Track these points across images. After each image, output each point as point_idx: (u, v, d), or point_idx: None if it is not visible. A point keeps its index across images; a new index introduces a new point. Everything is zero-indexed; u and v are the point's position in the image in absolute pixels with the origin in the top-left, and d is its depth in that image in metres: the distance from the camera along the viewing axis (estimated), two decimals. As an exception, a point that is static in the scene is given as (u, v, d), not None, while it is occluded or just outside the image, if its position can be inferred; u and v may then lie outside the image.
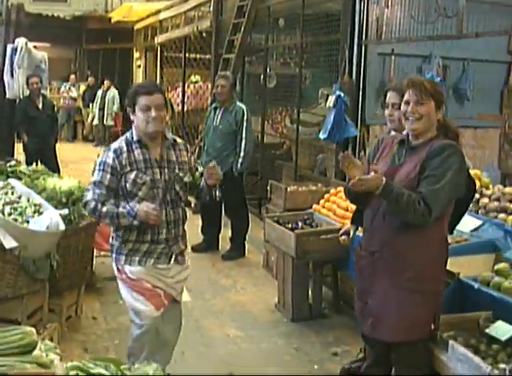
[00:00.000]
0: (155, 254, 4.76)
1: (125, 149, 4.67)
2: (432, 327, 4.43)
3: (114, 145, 4.72)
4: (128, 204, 4.58)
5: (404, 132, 4.49)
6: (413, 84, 4.30)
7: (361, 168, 4.20)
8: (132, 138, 4.69)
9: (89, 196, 4.62)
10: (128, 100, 4.72)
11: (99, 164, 4.66)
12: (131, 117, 4.70)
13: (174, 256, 4.85)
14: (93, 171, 4.72)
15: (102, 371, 2.87)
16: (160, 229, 4.73)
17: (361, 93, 9.03)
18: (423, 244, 4.31)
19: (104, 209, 4.56)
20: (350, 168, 4.20)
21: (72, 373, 2.84)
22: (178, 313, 5.17)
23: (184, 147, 4.94)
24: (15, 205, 5.66)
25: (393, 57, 9.86)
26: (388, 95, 5.13)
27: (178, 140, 4.92)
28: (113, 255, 4.79)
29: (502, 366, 4.09)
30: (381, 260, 4.40)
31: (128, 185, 4.63)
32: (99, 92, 21.95)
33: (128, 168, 4.64)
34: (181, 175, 4.81)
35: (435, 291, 4.40)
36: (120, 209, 4.56)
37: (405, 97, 4.32)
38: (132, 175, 4.64)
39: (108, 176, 4.63)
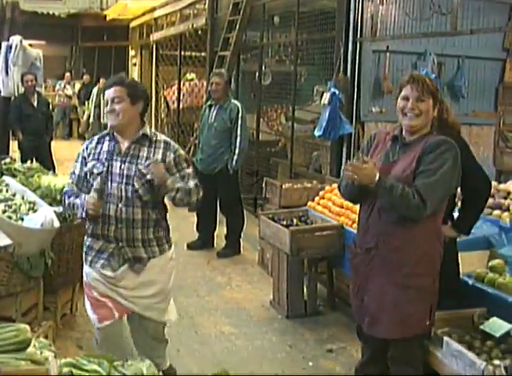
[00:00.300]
0: (105, 254, 4.63)
1: (96, 140, 4.73)
2: (427, 322, 4.46)
3: (93, 137, 4.80)
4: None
5: (396, 129, 4.50)
6: (415, 80, 4.32)
7: (370, 171, 4.21)
8: (107, 131, 4.74)
9: (66, 187, 4.78)
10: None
11: (76, 156, 4.76)
12: None
13: (126, 261, 4.63)
14: None
15: (96, 368, 2.88)
16: (108, 226, 4.59)
17: (356, 90, 9.05)
18: (418, 240, 4.33)
19: (67, 200, 4.63)
20: (360, 176, 4.18)
21: (65, 369, 2.84)
22: (148, 327, 4.88)
23: (165, 145, 4.70)
24: (9, 203, 5.70)
25: (388, 54, 9.91)
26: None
27: (163, 139, 4.75)
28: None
29: (496, 362, 4.13)
30: (377, 257, 4.43)
31: (86, 174, 4.64)
32: (95, 90, 21.93)
33: (90, 158, 4.66)
34: (143, 171, 4.56)
35: (431, 286, 4.42)
36: (77, 200, 4.55)
37: (404, 92, 4.33)
38: (90, 165, 4.64)
39: (78, 166, 4.70)
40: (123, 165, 4.59)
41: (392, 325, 4.43)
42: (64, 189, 4.75)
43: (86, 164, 4.64)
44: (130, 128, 4.63)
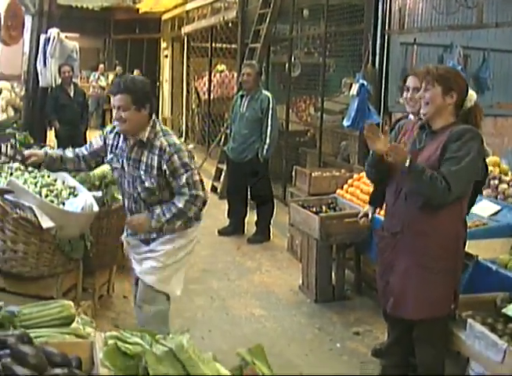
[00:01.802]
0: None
1: (114, 132, 4.94)
2: (451, 305, 4.60)
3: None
4: None
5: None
6: (420, 72, 4.56)
7: (384, 142, 4.35)
8: None
9: None
10: None
11: (100, 133, 5.07)
12: None
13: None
14: None
15: (139, 340, 3.02)
16: (126, 214, 5.09)
17: (383, 82, 9.11)
18: (444, 224, 4.46)
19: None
20: (373, 140, 4.37)
21: (110, 341, 2.98)
22: (141, 287, 5.14)
23: (159, 152, 4.71)
24: (51, 187, 5.83)
25: (415, 47, 9.97)
26: (409, 79, 5.30)
27: (159, 143, 4.72)
28: None
29: None
30: (403, 240, 4.57)
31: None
32: (129, 81, 22.10)
33: (109, 148, 4.94)
34: (143, 178, 4.75)
35: (455, 269, 4.55)
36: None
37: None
38: (109, 157, 4.96)
39: (99, 141, 5.03)
40: (129, 167, 4.84)
41: (416, 306, 4.57)
42: None
43: (105, 148, 4.98)
44: (140, 131, 4.73)
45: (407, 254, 4.57)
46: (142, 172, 4.73)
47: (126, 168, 4.82)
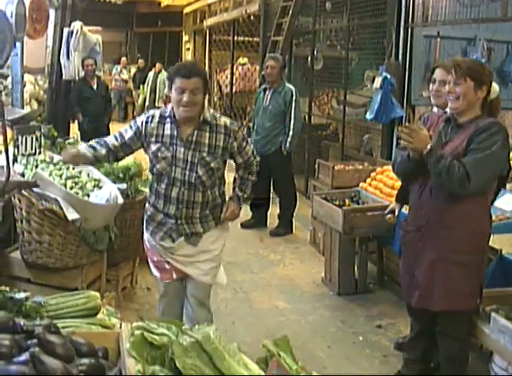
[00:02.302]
0: (165, 227, 4.86)
1: (157, 119, 4.75)
2: (477, 299, 4.59)
3: (150, 112, 4.85)
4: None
5: (448, 110, 4.66)
6: (452, 65, 4.46)
7: (423, 138, 4.38)
8: (167, 111, 4.76)
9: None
10: (167, 76, 4.79)
11: (131, 121, 4.90)
12: (169, 93, 4.77)
13: (183, 236, 4.86)
14: None
15: (165, 331, 3.03)
16: (169, 205, 4.79)
17: (407, 75, 9.08)
18: (468, 218, 4.46)
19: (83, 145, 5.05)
20: (411, 141, 4.36)
21: (137, 332, 3.00)
22: (200, 288, 5.07)
23: (225, 131, 4.75)
24: (76, 180, 5.88)
25: (438, 39, 9.89)
26: (436, 71, 5.25)
27: (223, 123, 4.78)
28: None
29: None
30: (428, 233, 4.57)
31: (150, 154, 4.79)
32: (151, 75, 22.20)
33: (154, 139, 4.73)
34: (207, 159, 4.71)
35: (479, 263, 4.55)
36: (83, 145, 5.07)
37: (447, 78, 4.53)
38: (154, 148, 4.73)
39: (130, 133, 4.80)
40: (187, 152, 4.68)
41: (441, 299, 4.56)
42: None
43: (145, 142, 4.77)
44: (197, 115, 4.70)
45: (432, 247, 4.57)
46: (205, 154, 4.70)
47: (181, 155, 4.69)
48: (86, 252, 5.77)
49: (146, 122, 4.75)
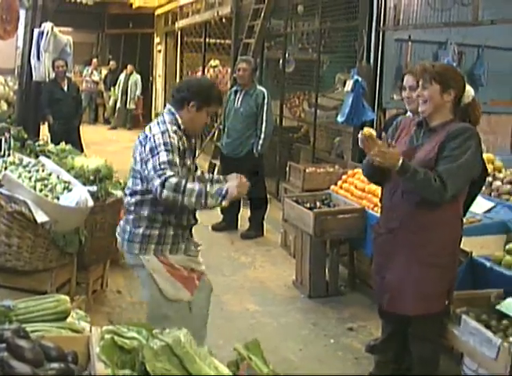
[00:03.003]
0: (184, 238, 4.78)
1: (178, 135, 4.58)
2: (446, 301, 4.61)
3: (168, 127, 4.56)
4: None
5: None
6: (418, 70, 4.53)
7: (382, 146, 4.33)
8: (179, 126, 4.63)
9: (168, 172, 4.35)
10: (199, 96, 4.63)
11: (165, 145, 4.45)
12: (188, 109, 4.64)
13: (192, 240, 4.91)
14: (155, 153, 4.44)
15: (136, 335, 3.01)
16: (187, 215, 4.73)
17: (378, 78, 9.13)
18: (441, 221, 4.47)
19: (189, 186, 4.34)
20: (371, 147, 4.34)
21: (107, 336, 2.97)
22: (207, 281, 5.14)
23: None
24: (45, 182, 5.82)
25: (410, 43, 9.97)
26: (405, 78, 5.29)
27: None
28: (152, 246, 4.63)
29: (511, 339, 4.22)
30: (400, 236, 4.57)
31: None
32: (122, 76, 22.16)
33: (183, 154, 4.64)
34: (196, 163, 4.97)
35: (450, 266, 4.57)
36: (207, 188, 4.40)
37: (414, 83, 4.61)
38: (187, 161, 4.72)
39: (177, 157, 4.49)
40: (192, 160, 4.83)
41: (413, 302, 4.57)
42: (169, 173, 4.34)
43: (183, 158, 4.64)
44: None
45: (404, 250, 4.58)
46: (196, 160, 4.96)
47: (191, 164, 4.80)
48: (56, 255, 5.73)
49: (180, 138, 4.60)
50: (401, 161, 4.26)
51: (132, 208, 4.66)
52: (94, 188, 6.06)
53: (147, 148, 4.49)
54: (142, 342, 2.93)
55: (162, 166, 4.38)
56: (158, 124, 4.62)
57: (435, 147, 4.37)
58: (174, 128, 4.59)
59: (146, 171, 4.47)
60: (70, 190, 5.84)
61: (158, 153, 4.43)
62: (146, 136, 4.56)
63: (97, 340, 3.02)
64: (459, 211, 4.60)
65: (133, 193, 4.67)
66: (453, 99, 4.45)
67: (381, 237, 4.78)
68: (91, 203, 5.76)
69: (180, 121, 4.64)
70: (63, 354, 2.94)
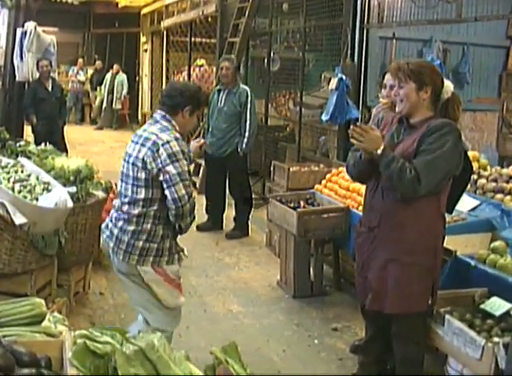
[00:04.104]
0: (178, 249, 4.79)
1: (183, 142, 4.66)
2: (429, 299, 4.58)
3: (177, 134, 4.60)
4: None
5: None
6: (393, 69, 4.49)
7: (368, 129, 4.39)
8: (179, 132, 4.67)
9: (183, 190, 4.48)
10: (192, 100, 4.70)
11: (183, 153, 4.53)
12: (183, 115, 4.69)
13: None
14: (175, 160, 4.48)
15: (109, 339, 2.97)
16: (178, 228, 4.75)
17: (362, 76, 9.12)
18: (420, 219, 4.44)
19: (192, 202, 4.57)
20: (360, 140, 4.34)
21: (79, 340, 2.93)
22: None
23: None
24: (24, 183, 5.75)
25: (394, 41, 10.00)
26: (386, 76, 5.27)
27: None
28: (150, 258, 4.60)
29: (495, 339, 4.19)
30: (380, 235, 4.56)
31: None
32: (108, 76, 22.12)
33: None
34: None
35: (432, 264, 4.52)
36: None
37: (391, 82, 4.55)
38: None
39: (186, 163, 4.60)
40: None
41: (394, 301, 4.54)
42: (183, 192, 4.47)
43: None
44: None
45: (384, 248, 4.56)
46: None
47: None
48: (35, 257, 5.67)
49: (186, 143, 4.74)
50: (382, 146, 4.29)
51: (134, 220, 4.59)
52: (73, 189, 6.00)
53: (163, 155, 4.47)
54: (116, 347, 2.88)
55: (186, 175, 4.52)
56: (163, 130, 4.58)
57: (414, 142, 4.36)
58: (178, 135, 4.61)
59: (168, 176, 4.46)
60: (49, 191, 5.79)
61: (178, 161, 4.48)
62: (154, 142, 4.51)
63: (70, 344, 2.98)
64: (439, 209, 4.56)
65: (134, 203, 4.58)
66: (430, 96, 4.43)
67: (362, 236, 4.76)
68: (70, 204, 5.71)
69: (177, 127, 4.66)
70: (36, 359, 2.91)
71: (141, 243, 4.58)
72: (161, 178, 4.47)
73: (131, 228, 4.58)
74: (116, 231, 4.65)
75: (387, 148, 4.33)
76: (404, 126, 4.53)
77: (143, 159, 4.50)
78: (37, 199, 5.64)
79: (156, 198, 4.55)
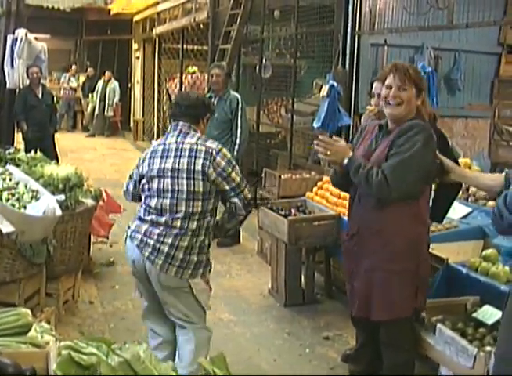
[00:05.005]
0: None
1: None
2: (414, 306, 4.53)
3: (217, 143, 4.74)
4: None
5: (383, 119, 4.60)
6: (397, 69, 4.35)
7: (330, 142, 4.37)
8: None
9: (249, 195, 4.77)
10: (209, 109, 4.88)
11: (232, 160, 4.68)
12: (204, 123, 4.84)
13: None
14: (233, 165, 4.64)
15: (94, 350, 2.92)
16: None
17: (354, 83, 9.12)
18: (398, 225, 4.40)
19: None
20: (326, 154, 4.35)
21: (64, 352, 2.89)
22: None
23: None
24: (12, 191, 5.72)
25: (386, 48, 9.98)
26: (374, 85, 5.23)
27: None
28: (200, 270, 4.77)
29: (488, 348, 4.16)
30: (360, 242, 4.55)
31: None
32: (100, 83, 22.10)
33: None
34: None
35: (414, 270, 4.46)
36: None
37: (388, 81, 4.37)
38: None
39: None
40: None
41: (379, 308, 4.52)
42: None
43: None
44: None
45: (367, 256, 4.53)
46: None
47: None
48: (23, 266, 5.62)
49: None
50: (349, 156, 4.31)
51: (190, 234, 4.59)
52: (62, 197, 5.96)
53: (222, 163, 4.56)
54: (101, 358, 2.84)
55: (240, 181, 4.66)
56: (204, 139, 4.67)
57: (386, 146, 4.33)
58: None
59: (234, 184, 4.61)
60: (37, 199, 5.74)
61: (235, 167, 4.66)
62: (207, 152, 4.56)
63: (55, 355, 2.94)
64: (420, 215, 4.50)
65: (190, 217, 4.57)
66: (420, 104, 4.41)
67: (346, 244, 4.76)
68: (59, 212, 5.67)
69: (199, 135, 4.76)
70: (21, 370, 2.88)
71: (195, 257, 4.65)
72: (227, 187, 4.60)
73: (185, 243, 4.58)
74: (165, 248, 4.56)
75: (353, 156, 4.33)
76: (382, 132, 4.51)
77: (203, 171, 4.53)
78: (25, 207, 5.60)
79: (208, 209, 4.64)
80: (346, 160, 4.29)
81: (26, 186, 5.92)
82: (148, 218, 4.62)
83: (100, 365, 2.75)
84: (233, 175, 4.59)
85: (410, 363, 4.74)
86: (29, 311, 3.79)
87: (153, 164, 4.64)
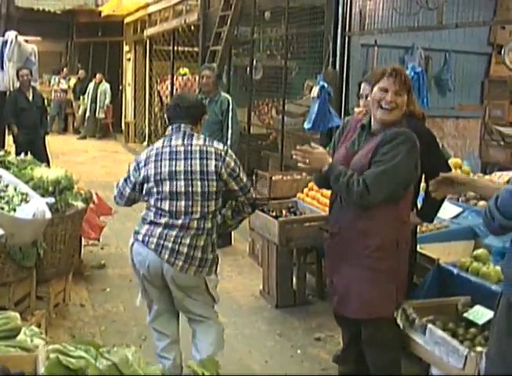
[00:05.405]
0: None
1: None
2: (393, 305, 4.54)
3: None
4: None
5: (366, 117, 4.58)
6: (397, 73, 4.30)
7: (307, 150, 4.38)
8: None
9: (253, 194, 4.93)
10: (204, 109, 4.93)
11: (237, 160, 4.80)
12: (201, 124, 4.85)
13: None
14: (239, 165, 4.77)
15: (83, 354, 2.91)
16: None
17: (344, 84, 9.13)
18: (379, 225, 4.38)
19: None
20: (306, 163, 4.37)
21: (52, 355, 2.88)
22: None
23: None
24: (2, 194, 5.70)
25: (376, 48, 9.99)
26: (362, 86, 5.20)
27: None
28: (214, 266, 4.80)
29: (479, 349, 4.16)
30: (341, 241, 4.54)
31: None
32: (91, 85, 22.03)
33: None
34: None
35: (395, 270, 4.46)
36: None
37: (384, 84, 4.30)
38: None
39: None
40: None
41: (357, 306, 4.51)
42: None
43: None
44: None
45: (346, 254, 4.53)
46: None
47: None
48: (13, 269, 5.61)
49: None
50: (328, 163, 4.31)
51: (205, 232, 4.64)
52: (51, 199, 5.92)
53: (231, 164, 4.67)
54: (90, 361, 2.84)
55: (248, 183, 4.85)
56: (209, 140, 4.75)
57: (369, 153, 4.31)
58: None
59: (242, 183, 4.75)
60: (27, 202, 5.72)
61: (241, 167, 4.80)
62: (217, 153, 4.64)
63: (44, 359, 2.93)
64: (400, 216, 4.48)
65: (205, 217, 4.62)
66: (412, 106, 4.44)
67: (328, 241, 4.74)
68: (48, 215, 5.65)
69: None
70: (9, 374, 2.86)
71: (210, 255, 4.70)
72: (236, 187, 4.72)
73: (202, 242, 4.62)
74: (184, 249, 4.57)
75: (333, 163, 4.33)
76: (365, 133, 4.48)
77: (217, 172, 4.60)
78: (14, 210, 5.57)
79: (218, 208, 4.72)
80: (326, 167, 4.29)
81: (15, 189, 5.88)
82: (161, 221, 4.60)
83: (89, 368, 2.73)
84: (241, 175, 4.72)
85: (395, 362, 4.71)
86: (18, 315, 3.81)
87: (161, 167, 4.61)
